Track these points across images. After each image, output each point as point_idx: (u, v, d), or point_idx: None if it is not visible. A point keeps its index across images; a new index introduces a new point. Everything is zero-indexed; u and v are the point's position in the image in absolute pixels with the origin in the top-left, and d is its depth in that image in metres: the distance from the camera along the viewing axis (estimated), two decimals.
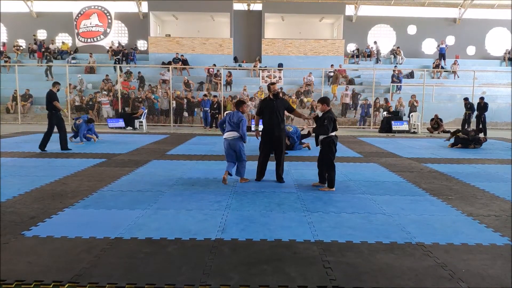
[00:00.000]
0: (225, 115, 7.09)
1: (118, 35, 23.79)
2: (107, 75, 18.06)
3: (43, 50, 21.36)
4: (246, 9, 23.78)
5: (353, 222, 4.04)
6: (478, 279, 2.81)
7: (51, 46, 21.90)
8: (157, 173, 6.37)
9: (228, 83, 18.57)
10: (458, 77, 20.28)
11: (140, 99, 15.65)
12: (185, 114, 16.38)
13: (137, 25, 23.52)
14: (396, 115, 15.12)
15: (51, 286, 2.64)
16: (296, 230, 3.75)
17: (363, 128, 16.17)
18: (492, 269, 2.98)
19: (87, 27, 22.67)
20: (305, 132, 9.70)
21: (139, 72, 18.49)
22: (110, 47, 21.63)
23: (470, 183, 5.94)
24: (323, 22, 23.85)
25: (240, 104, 5.78)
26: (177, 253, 3.18)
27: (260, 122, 5.96)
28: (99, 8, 22.72)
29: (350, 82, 19.25)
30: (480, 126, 13.57)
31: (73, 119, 9.88)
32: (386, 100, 16.35)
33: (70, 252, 3.17)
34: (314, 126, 5.56)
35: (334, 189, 5.35)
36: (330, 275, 2.82)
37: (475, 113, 14.24)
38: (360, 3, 23.08)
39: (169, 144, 10.21)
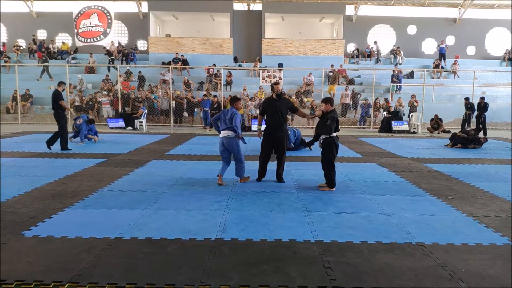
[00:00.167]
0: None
1: (118, 35, 23.79)
2: (107, 75, 18.06)
3: (43, 50, 21.37)
4: (246, 9, 23.78)
5: (353, 222, 4.04)
6: (478, 279, 2.81)
7: (51, 46, 21.91)
8: (157, 173, 6.37)
9: (228, 83, 18.57)
10: (458, 77, 20.28)
11: (140, 99, 15.65)
12: (185, 114, 16.38)
13: (137, 25, 23.52)
14: (396, 115, 15.12)
15: (51, 286, 2.64)
16: (296, 230, 3.75)
17: (363, 128, 16.17)
18: (492, 269, 2.98)
19: (87, 27, 22.66)
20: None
21: (139, 72, 18.49)
22: (104, 48, 21.55)
23: (470, 183, 5.94)
24: (323, 22, 23.85)
25: (234, 100, 5.70)
26: (177, 253, 3.18)
27: (263, 122, 5.95)
28: (99, 8, 22.72)
29: (350, 82, 19.25)
30: (480, 126, 13.59)
31: (73, 120, 9.88)
32: (386, 100, 16.35)
33: (70, 252, 3.17)
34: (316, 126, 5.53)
35: (334, 189, 5.35)
36: (330, 275, 2.83)
37: (475, 113, 14.24)
38: (360, 3, 23.08)
39: (169, 144, 10.22)
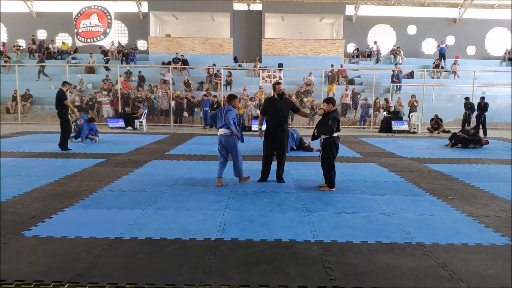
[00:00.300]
0: None
1: (118, 35, 23.80)
2: (107, 75, 18.06)
3: (43, 50, 21.37)
4: (246, 9, 23.78)
5: (353, 222, 4.04)
6: (478, 279, 2.81)
7: (51, 46, 21.91)
8: (157, 173, 6.37)
9: (228, 83, 18.56)
10: (458, 77, 20.28)
11: (140, 99, 15.65)
12: (185, 114, 16.38)
13: (137, 25, 23.52)
14: (396, 115, 15.12)
15: (51, 286, 2.64)
16: (296, 230, 3.75)
17: (363, 128, 16.17)
18: (492, 269, 2.98)
19: (87, 27, 22.65)
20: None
21: (139, 72, 18.50)
22: (100, 48, 21.50)
23: (470, 183, 5.94)
24: (323, 22, 23.85)
25: (231, 97, 5.66)
26: (177, 253, 3.18)
27: (264, 122, 5.95)
28: (99, 8, 22.71)
29: (350, 82, 19.25)
30: (480, 126, 13.60)
31: (73, 121, 9.90)
32: (386, 100, 16.35)
33: (70, 252, 3.17)
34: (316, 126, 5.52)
35: (334, 189, 5.35)
36: (330, 275, 2.82)
37: (475, 113, 14.24)
38: (360, 3, 23.08)
39: (169, 144, 10.22)
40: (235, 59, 22.24)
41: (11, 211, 4.23)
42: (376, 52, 22.26)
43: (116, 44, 22.16)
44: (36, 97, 17.14)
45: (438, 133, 14.44)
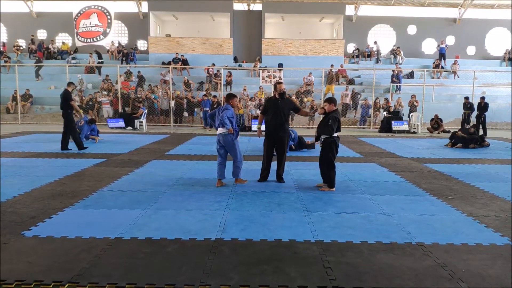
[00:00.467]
0: None
1: (118, 35, 23.79)
2: (107, 75, 18.07)
3: (43, 50, 21.36)
4: (246, 9, 23.78)
5: (353, 222, 4.04)
6: (478, 279, 2.81)
7: (51, 46, 21.90)
8: (157, 173, 6.37)
9: (228, 83, 18.56)
10: (458, 77, 20.28)
11: (140, 99, 15.65)
12: (185, 114, 16.38)
13: (137, 25, 23.52)
14: (396, 115, 15.12)
15: (51, 286, 2.64)
16: (296, 230, 3.75)
17: (363, 128, 16.17)
18: (492, 269, 2.98)
19: (87, 27, 22.64)
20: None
21: (138, 72, 18.51)
22: (94, 50, 21.30)
23: (470, 183, 5.94)
24: (323, 22, 23.84)
25: (230, 96, 5.64)
26: (177, 253, 3.18)
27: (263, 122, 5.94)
28: (99, 8, 22.70)
29: (350, 82, 19.25)
30: (480, 126, 13.58)
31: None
32: (386, 100, 16.35)
33: (70, 252, 3.17)
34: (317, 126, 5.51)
35: (334, 189, 5.35)
36: (330, 275, 2.82)
37: (475, 113, 14.24)
38: (360, 3, 23.08)
39: (169, 144, 10.21)
40: (235, 59, 22.24)
41: (11, 211, 4.23)
42: (376, 52, 22.26)
43: (116, 44, 22.15)
44: (36, 97, 17.14)
45: (438, 133, 14.44)
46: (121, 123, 14.66)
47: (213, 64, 19.42)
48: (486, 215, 4.34)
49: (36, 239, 3.45)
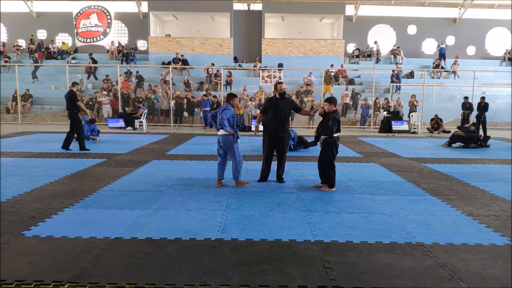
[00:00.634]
0: None
1: (118, 35, 23.79)
2: (107, 75, 18.07)
3: (43, 50, 21.36)
4: (246, 9, 23.77)
5: (353, 222, 4.04)
6: (478, 279, 2.81)
7: (51, 46, 21.90)
8: (157, 173, 6.37)
9: (228, 83, 18.56)
10: (458, 77, 20.28)
11: (140, 99, 15.65)
12: (185, 114, 16.39)
13: (137, 25, 23.52)
14: (396, 115, 15.12)
15: (51, 286, 2.64)
16: (296, 230, 3.75)
17: (363, 128, 16.17)
18: (492, 269, 2.98)
19: (87, 27, 22.63)
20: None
21: (137, 72, 18.50)
22: (90, 54, 21.10)
23: (470, 183, 5.94)
24: (323, 22, 23.84)
25: (230, 96, 5.61)
26: (177, 253, 3.18)
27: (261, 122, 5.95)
28: (99, 8, 22.69)
29: (350, 82, 19.25)
30: (480, 126, 13.58)
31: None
32: (386, 100, 16.35)
33: (70, 252, 3.17)
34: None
35: (334, 189, 5.35)
36: (330, 275, 2.82)
37: (474, 113, 14.23)
38: (360, 3, 23.08)
39: (169, 144, 10.21)
40: (235, 59, 22.24)
41: (11, 211, 4.23)
42: (376, 52, 22.26)
43: (116, 44, 22.14)
44: (36, 97, 17.15)
45: (438, 133, 14.44)
46: (121, 123, 14.66)
47: (213, 64, 19.42)
48: (486, 215, 4.34)
49: (36, 239, 3.45)
